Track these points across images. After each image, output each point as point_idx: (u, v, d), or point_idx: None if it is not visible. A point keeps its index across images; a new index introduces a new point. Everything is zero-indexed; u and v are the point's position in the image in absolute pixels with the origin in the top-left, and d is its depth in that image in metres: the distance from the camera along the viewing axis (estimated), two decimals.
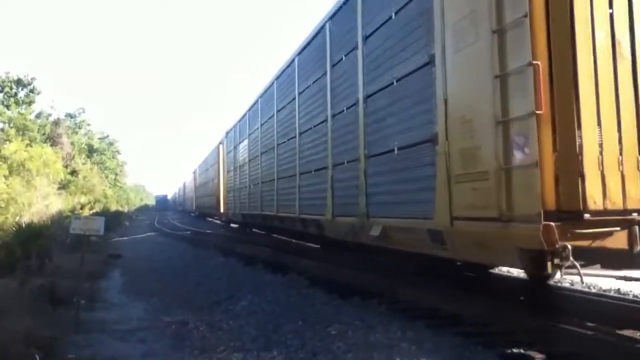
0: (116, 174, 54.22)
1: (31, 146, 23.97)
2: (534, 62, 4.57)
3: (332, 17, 10.02)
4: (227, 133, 25.66)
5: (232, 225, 28.16)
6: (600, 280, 8.01)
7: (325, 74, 10.19)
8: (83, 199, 25.00)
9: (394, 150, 7.28)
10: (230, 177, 24.30)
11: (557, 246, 4.35)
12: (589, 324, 5.50)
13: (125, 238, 25.25)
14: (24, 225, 14.15)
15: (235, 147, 22.89)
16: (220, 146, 28.96)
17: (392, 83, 7.31)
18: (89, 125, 43.61)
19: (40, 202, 18.59)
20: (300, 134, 12.10)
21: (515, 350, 4.93)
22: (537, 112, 4.52)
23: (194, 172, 49.43)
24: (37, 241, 12.13)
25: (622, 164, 4.74)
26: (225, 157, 26.78)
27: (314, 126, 10.96)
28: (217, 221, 34.41)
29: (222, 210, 27.99)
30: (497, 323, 5.70)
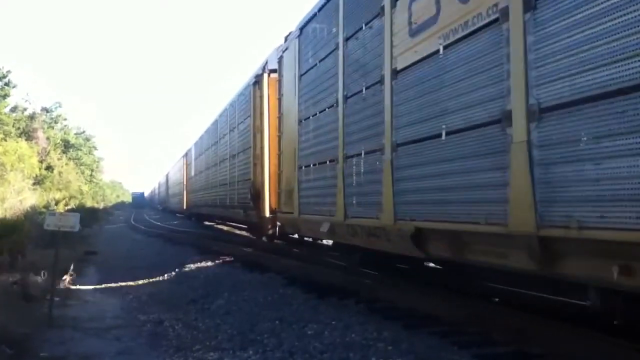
0: (92, 170, 53.38)
1: (6, 140, 23.49)
2: None
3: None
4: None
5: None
6: None
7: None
8: (58, 195, 24.56)
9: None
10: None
11: None
12: None
13: (101, 233, 24.93)
14: None
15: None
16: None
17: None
18: (65, 120, 42.90)
19: (14, 197, 18.23)
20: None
21: None
22: None
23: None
24: (9, 237, 11.90)
25: None
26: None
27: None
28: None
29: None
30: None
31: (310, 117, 9.37)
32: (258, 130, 13.98)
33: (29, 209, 17.61)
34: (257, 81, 14.14)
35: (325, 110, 8.64)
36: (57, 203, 22.35)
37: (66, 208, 21.88)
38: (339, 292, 7.81)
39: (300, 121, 9.80)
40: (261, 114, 13.69)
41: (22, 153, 22.18)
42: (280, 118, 11.41)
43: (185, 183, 34.62)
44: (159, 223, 35.23)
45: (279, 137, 11.43)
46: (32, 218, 16.12)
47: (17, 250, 11.66)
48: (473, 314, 5.80)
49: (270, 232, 13.32)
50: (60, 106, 40.26)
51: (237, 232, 21.74)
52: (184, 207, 35.19)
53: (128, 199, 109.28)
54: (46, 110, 38.91)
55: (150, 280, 10.90)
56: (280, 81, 11.52)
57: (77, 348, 5.94)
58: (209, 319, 6.97)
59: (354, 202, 7.56)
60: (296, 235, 12.04)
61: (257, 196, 13.72)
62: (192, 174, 31.24)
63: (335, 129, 8.07)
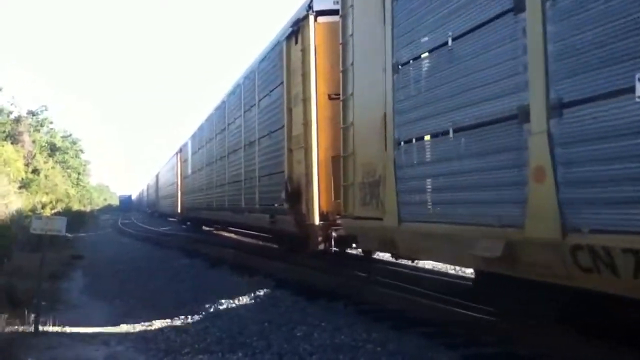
0: (79, 173, 53.05)
1: None
2: None
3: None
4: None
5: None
6: None
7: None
8: (44, 199, 24.39)
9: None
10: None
11: None
12: None
13: (88, 237, 24.75)
14: None
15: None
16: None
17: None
18: (51, 123, 42.59)
19: None
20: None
21: None
22: None
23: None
24: None
25: None
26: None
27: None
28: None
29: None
30: None
31: (428, 55, 5.70)
32: (297, 101, 9.84)
33: (15, 212, 17.46)
34: (296, 30, 10.01)
35: (473, 31, 4.87)
36: (43, 207, 22.18)
37: (53, 212, 21.70)
38: (327, 294, 7.77)
39: (397, 67, 6.17)
40: (304, 75, 9.43)
41: (8, 157, 21.99)
42: (345, 73, 7.64)
43: (179, 183, 30.29)
44: (152, 227, 33.84)
45: (343, 103, 7.63)
46: (18, 222, 15.98)
47: (3, 254, 11.56)
48: None
49: (322, 246, 9.05)
50: (46, 109, 39.96)
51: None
52: (178, 211, 31.25)
53: (115, 202, 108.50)
54: (32, 113, 38.60)
55: (137, 283, 10.82)
56: (345, 19, 7.66)
57: (64, 353, 5.89)
58: (197, 322, 6.94)
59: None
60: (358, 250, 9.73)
61: (296, 195, 9.65)
62: (189, 172, 26.12)
63: (518, 52, 4.31)
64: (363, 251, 9.88)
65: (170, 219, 37.80)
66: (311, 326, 6.18)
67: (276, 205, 11.02)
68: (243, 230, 18.91)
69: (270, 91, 11.62)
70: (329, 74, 9.07)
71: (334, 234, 8.85)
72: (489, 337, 5.20)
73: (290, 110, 10.24)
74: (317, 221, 9.02)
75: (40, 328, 6.77)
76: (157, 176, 49.41)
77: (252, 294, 8.39)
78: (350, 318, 6.49)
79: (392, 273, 8.96)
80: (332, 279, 8.75)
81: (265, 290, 8.71)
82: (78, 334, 6.77)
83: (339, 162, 7.97)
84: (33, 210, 19.41)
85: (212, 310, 7.61)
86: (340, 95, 7.84)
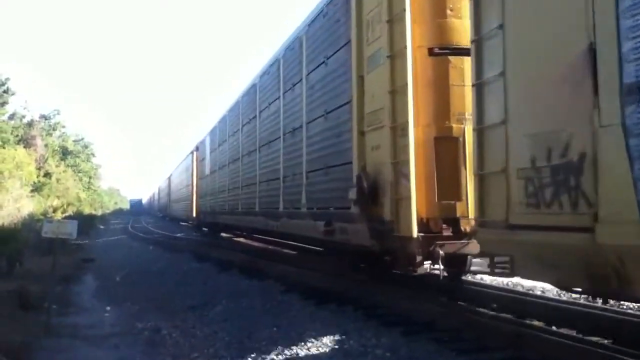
0: (90, 177, 53.41)
1: (4, 148, 23.50)
2: None
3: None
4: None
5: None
6: None
7: None
8: (56, 202, 24.57)
9: None
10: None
11: None
12: None
13: (99, 241, 24.90)
14: None
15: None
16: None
17: None
18: (63, 127, 42.96)
19: (11, 204, 18.21)
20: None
21: None
22: None
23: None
24: (7, 244, 11.90)
25: None
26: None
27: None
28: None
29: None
30: None
31: None
32: (375, 62, 7.02)
33: (26, 216, 17.61)
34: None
35: None
36: (54, 210, 22.35)
37: (64, 215, 21.85)
38: (337, 299, 7.71)
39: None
40: (392, 22, 6.58)
41: (20, 160, 22.19)
42: None
43: (194, 184, 27.61)
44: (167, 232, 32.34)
45: (476, 46, 5.08)
46: (30, 225, 16.12)
47: (15, 258, 11.67)
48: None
49: (423, 268, 6.39)
50: (58, 113, 40.33)
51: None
52: (193, 215, 28.11)
53: (126, 205, 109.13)
54: (44, 117, 38.97)
55: (147, 286, 10.86)
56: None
57: (75, 356, 5.94)
58: (206, 326, 6.96)
59: None
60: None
61: (373, 195, 6.92)
62: (207, 171, 22.99)
63: None
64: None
65: (183, 224, 36.30)
66: (320, 331, 6.17)
67: (334, 209, 8.38)
68: (279, 240, 15.59)
69: (327, 58, 8.77)
70: (429, 17, 6.53)
71: (440, 251, 6.00)
72: None
73: (361, 79, 7.42)
74: (414, 232, 6.09)
75: (52, 331, 6.84)
76: (169, 178, 47.87)
77: (262, 298, 8.39)
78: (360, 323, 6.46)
79: None
80: (342, 282, 8.71)
81: (274, 294, 8.70)
82: (89, 337, 6.82)
83: (446, 146, 6.06)
84: (44, 214, 19.58)
85: (221, 314, 7.62)
86: (472, 35, 5.17)
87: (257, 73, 14.01)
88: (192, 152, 28.99)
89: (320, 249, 11.02)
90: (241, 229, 18.42)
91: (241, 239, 20.65)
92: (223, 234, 22.95)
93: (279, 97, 11.52)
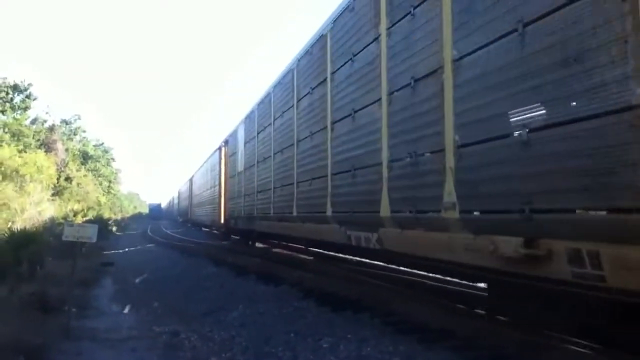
0: (110, 182, 54.07)
1: (26, 152, 23.91)
2: None
3: None
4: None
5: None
6: None
7: None
8: (76, 206, 24.89)
9: None
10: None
11: None
12: None
13: (119, 248, 25.11)
14: (15, 231, 14.07)
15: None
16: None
17: None
18: (84, 132, 43.63)
19: (33, 208, 18.48)
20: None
21: None
22: None
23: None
24: (28, 247, 12.06)
25: None
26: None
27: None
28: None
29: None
30: None
31: None
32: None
33: (47, 219, 17.86)
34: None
35: None
36: (75, 214, 22.64)
37: (84, 219, 22.10)
38: (353, 305, 7.70)
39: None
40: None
41: (41, 164, 22.52)
42: None
43: (222, 185, 22.86)
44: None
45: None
46: (51, 229, 16.33)
47: (35, 261, 11.81)
48: None
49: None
50: (79, 118, 40.94)
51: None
52: (220, 220, 23.10)
53: (145, 209, 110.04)
54: (65, 122, 39.57)
55: (165, 291, 10.92)
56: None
57: (93, 359, 5.99)
58: (224, 331, 6.97)
59: None
60: None
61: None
62: (240, 167, 18.27)
63: None
64: None
65: (205, 229, 31.61)
66: (337, 337, 6.14)
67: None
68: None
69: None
70: None
71: None
72: None
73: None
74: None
75: (71, 334, 6.90)
76: (190, 180, 43.42)
77: (278, 304, 8.38)
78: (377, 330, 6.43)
79: None
80: (358, 288, 8.67)
81: (291, 299, 8.69)
82: (107, 340, 6.86)
83: None
84: (65, 217, 19.83)
85: (238, 319, 7.63)
86: None
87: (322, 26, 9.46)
88: (219, 148, 24.47)
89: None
90: (292, 239, 13.64)
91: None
92: (259, 244, 18.87)
93: (349, 60, 8.00)
